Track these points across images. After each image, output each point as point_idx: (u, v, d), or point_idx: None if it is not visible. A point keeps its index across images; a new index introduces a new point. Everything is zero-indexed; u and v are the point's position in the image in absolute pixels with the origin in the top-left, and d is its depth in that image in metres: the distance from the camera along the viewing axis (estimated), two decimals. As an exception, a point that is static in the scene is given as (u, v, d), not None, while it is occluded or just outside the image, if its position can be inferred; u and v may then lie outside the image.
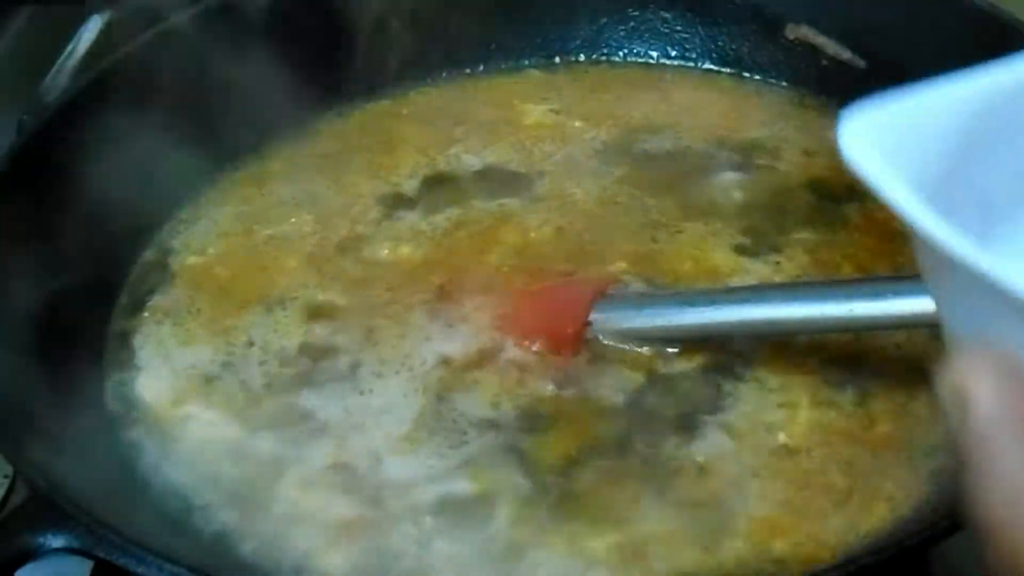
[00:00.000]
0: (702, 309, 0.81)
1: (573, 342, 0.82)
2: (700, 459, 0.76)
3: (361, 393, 0.82)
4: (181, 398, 0.83)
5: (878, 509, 0.73)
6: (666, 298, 0.85)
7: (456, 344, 0.84)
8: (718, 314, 0.80)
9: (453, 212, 0.95)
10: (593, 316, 0.83)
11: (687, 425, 0.78)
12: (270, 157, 1.01)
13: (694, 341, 0.82)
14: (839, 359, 0.81)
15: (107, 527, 0.67)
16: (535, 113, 1.03)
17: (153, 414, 0.82)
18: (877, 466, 0.75)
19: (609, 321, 0.83)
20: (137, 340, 0.87)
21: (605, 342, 0.82)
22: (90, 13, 1.16)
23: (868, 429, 0.78)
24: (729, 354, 0.82)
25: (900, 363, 0.81)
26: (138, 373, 0.85)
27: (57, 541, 0.67)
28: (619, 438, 0.78)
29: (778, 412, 0.79)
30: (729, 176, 0.96)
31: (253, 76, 0.98)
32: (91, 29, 1.12)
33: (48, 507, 0.68)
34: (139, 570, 0.66)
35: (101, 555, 0.68)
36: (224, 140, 0.99)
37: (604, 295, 0.84)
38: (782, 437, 0.77)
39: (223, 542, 0.75)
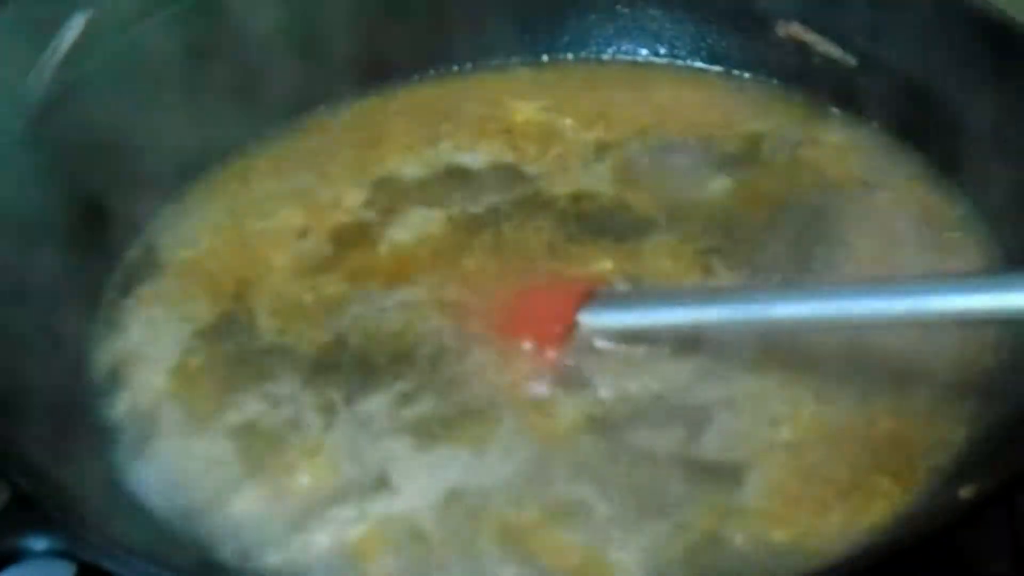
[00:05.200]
0: (690, 308, 0.81)
1: (560, 341, 0.82)
2: (703, 451, 0.76)
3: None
4: (168, 393, 0.83)
5: (877, 505, 0.73)
6: (655, 297, 0.85)
7: (447, 340, 0.84)
8: (706, 313, 0.80)
9: (441, 208, 0.94)
10: (580, 316, 0.82)
11: (690, 418, 0.78)
12: (256, 154, 1.00)
13: (682, 340, 0.81)
14: (842, 356, 0.81)
15: (91, 529, 0.67)
16: (525, 110, 1.03)
17: (139, 411, 0.82)
18: (877, 463, 0.75)
19: (597, 320, 0.82)
20: (124, 333, 0.87)
21: (598, 343, 0.82)
22: (73, 10, 1.15)
23: (870, 426, 0.77)
24: (733, 349, 0.81)
25: (901, 361, 0.81)
26: (124, 369, 0.85)
27: (40, 544, 0.66)
28: (621, 432, 0.78)
29: (782, 407, 0.78)
30: (717, 175, 0.95)
31: (239, 73, 0.98)
32: (74, 27, 1.12)
33: (31, 509, 0.67)
34: (123, 573, 0.66)
35: (85, 558, 0.67)
36: (209, 137, 0.98)
37: (591, 295, 0.84)
38: (785, 432, 0.77)
39: (208, 543, 0.74)
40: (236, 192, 0.98)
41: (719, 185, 0.95)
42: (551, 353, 0.82)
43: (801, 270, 0.87)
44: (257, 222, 0.95)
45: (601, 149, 0.99)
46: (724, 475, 0.75)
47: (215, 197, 0.97)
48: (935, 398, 0.78)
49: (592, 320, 0.82)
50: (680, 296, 0.84)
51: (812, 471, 0.75)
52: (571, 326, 0.82)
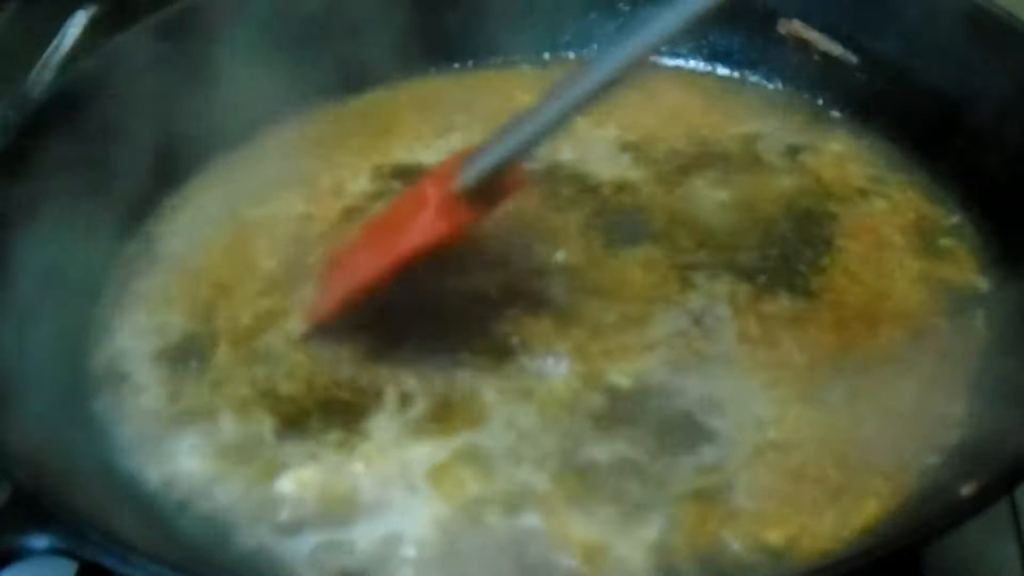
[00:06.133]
0: (530, 123, 0.78)
1: (442, 205, 0.79)
2: (692, 455, 0.76)
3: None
4: (163, 394, 0.83)
5: (868, 505, 0.73)
6: (501, 132, 0.80)
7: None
8: (544, 118, 0.77)
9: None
10: (457, 176, 0.79)
11: (679, 423, 0.78)
12: (261, 143, 1.00)
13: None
14: (828, 358, 0.81)
15: (92, 527, 0.66)
16: None
17: (138, 410, 0.82)
18: (866, 462, 0.75)
19: (472, 169, 0.79)
20: (116, 333, 0.87)
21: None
22: (75, 8, 1.16)
23: (857, 426, 0.77)
24: (717, 348, 0.82)
25: (887, 362, 0.81)
26: (119, 368, 0.85)
27: (41, 542, 0.66)
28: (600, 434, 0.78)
29: (768, 408, 0.78)
30: (715, 174, 0.95)
31: (247, 64, 0.98)
32: (76, 24, 1.12)
33: (32, 507, 0.67)
34: (124, 570, 0.65)
35: (86, 556, 0.67)
36: (213, 128, 0.98)
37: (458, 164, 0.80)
38: (772, 433, 0.77)
39: (209, 541, 0.74)
40: (239, 180, 0.97)
41: (716, 185, 0.94)
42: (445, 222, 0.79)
43: (790, 273, 0.87)
44: (256, 209, 0.95)
45: (620, 148, 0.98)
46: (712, 476, 0.75)
47: (218, 183, 0.97)
48: (923, 398, 0.79)
49: (469, 172, 0.79)
50: (519, 120, 0.79)
51: (802, 472, 0.75)
52: (447, 189, 0.79)
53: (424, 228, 0.79)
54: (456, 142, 0.98)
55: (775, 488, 0.74)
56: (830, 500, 0.73)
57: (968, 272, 0.87)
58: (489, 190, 0.80)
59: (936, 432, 0.76)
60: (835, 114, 1.00)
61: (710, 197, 0.93)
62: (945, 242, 0.89)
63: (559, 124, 0.78)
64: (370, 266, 0.81)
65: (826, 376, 0.80)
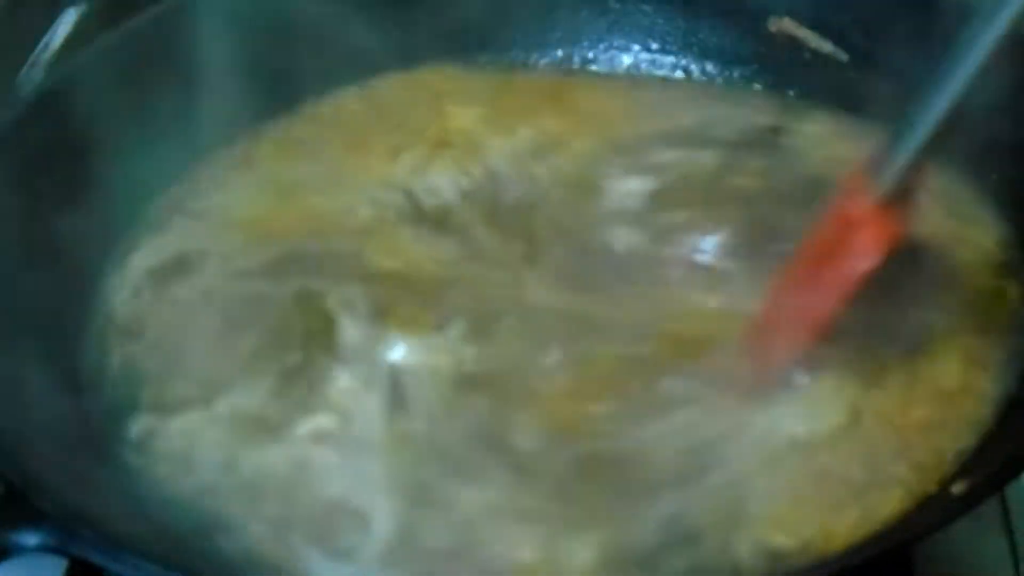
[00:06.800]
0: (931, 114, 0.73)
1: (875, 221, 0.75)
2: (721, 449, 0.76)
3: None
4: (160, 385, 0.83)
5: (893, 497, 0.72)
6: (899, 128, 0.75)
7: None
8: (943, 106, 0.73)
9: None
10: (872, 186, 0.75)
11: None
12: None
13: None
14: (872, 343, 0.80)
15: (83, 524, 0.66)
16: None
17: (132, 405, 0.82)
18: (898, 448, 0.75)
19: (887, 174, 0.74)
20: (112, 327, 0.87)
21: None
22: (65, 6, 1.16)
23: (906, 408, 0.77)
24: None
25: (931, 340, 0.81)
26: (116, 362, 0.84)
27: (31, 539, 0.66)
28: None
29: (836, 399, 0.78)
30: (714, 174, 0.95)
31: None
32: (66, 22, 1.12)
33: (22, 503, 0.67)
34: (115, 568, 0.66)
35: (77, 553, 0.67)
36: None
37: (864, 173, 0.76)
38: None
39: (203, 539, 0.74)
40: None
41: (715, 184, 0.94)
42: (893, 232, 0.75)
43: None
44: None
45: (591, 158, 0.98)
46: (736, 475, 0.75)
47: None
48: (966, 376, 0.79)
49: (885, 184, 0.74)
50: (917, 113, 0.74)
51: (828, 471, 0.74)
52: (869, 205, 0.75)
53: (866, 249, 0.75)
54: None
55: (795, 490, 0.73)
56: (854, 497, 0.72)
57: (992, 256, 0.87)
58: (903, 192, 0.75)
59: (975, 412, 0.76)
60: (826, 105, 0.99)
61: (738, 189, 0.93)
62: (965, 211, 0.89)
63: (959, 104, 0.72)
64: (815, 310, 0.77)
65: (873, 362, 0.79)
